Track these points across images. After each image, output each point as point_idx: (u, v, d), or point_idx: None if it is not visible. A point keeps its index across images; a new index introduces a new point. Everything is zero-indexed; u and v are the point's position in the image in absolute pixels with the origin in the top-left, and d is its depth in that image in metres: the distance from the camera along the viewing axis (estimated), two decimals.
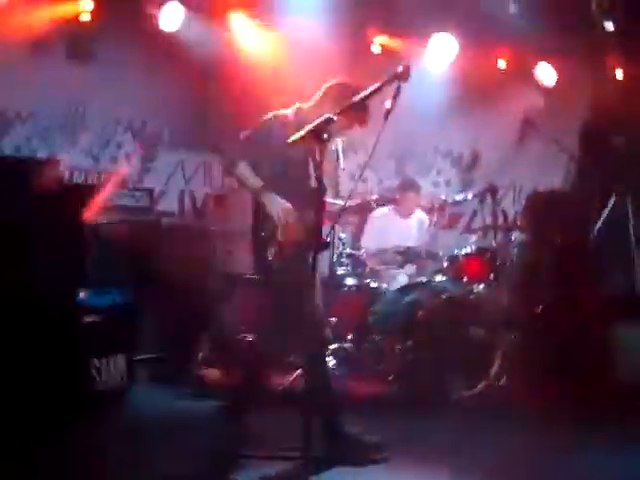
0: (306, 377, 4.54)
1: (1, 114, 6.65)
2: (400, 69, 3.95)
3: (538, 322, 6.74)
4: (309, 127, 3.87)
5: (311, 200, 4.32)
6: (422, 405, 5.54)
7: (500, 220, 7.59)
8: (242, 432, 4.61)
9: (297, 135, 3.92)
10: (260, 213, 4.51)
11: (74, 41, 6.70)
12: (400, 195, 7.29)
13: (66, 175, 6.60)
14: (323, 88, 4.65)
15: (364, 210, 7.36)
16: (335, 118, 3.88)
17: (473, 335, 6.00)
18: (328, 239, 4.79)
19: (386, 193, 7.64)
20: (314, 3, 6.71)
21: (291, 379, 5.80)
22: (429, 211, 7.72)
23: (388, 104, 3.88)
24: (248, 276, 6.50)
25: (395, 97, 3.89)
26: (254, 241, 4.59)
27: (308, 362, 4.40)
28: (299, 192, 4.48)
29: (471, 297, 6.18)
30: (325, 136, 3.81)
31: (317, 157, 4.46)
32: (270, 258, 4.46)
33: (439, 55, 7.32)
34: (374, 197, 6.92)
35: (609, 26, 6.41)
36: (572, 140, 7.82)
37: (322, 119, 3.84)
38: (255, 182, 4.48)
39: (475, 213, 7.83)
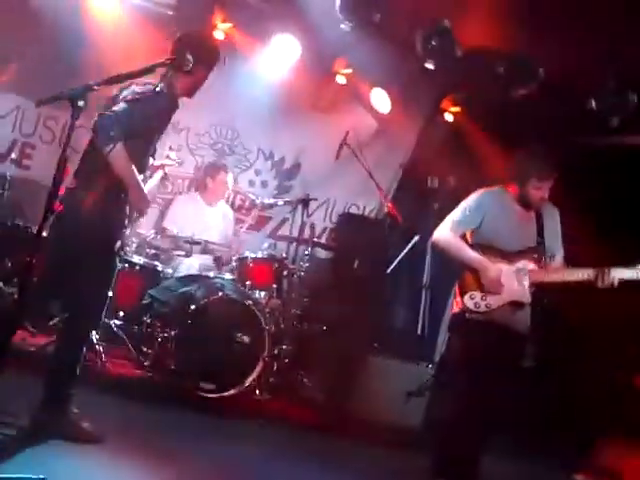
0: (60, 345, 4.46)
1: None
2: None
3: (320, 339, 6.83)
4: None
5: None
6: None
7: (307, 233, 7.59)
8: None
9: None
10: None
11: None
12: (209, 179, 7.12)
13: None
14: None
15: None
16: None
17: (238, 339, 5.91)
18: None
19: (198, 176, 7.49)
20: None
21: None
22: (238, 208, 7.63)
23: None
24: None
25: None
26: None
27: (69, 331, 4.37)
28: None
29: (247, 302, 6.07)
30: None
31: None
32: None
33: (279, 56, 7.17)
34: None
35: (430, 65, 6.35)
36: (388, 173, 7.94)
37: None
38: None
39: (284, 220, 7.76)
